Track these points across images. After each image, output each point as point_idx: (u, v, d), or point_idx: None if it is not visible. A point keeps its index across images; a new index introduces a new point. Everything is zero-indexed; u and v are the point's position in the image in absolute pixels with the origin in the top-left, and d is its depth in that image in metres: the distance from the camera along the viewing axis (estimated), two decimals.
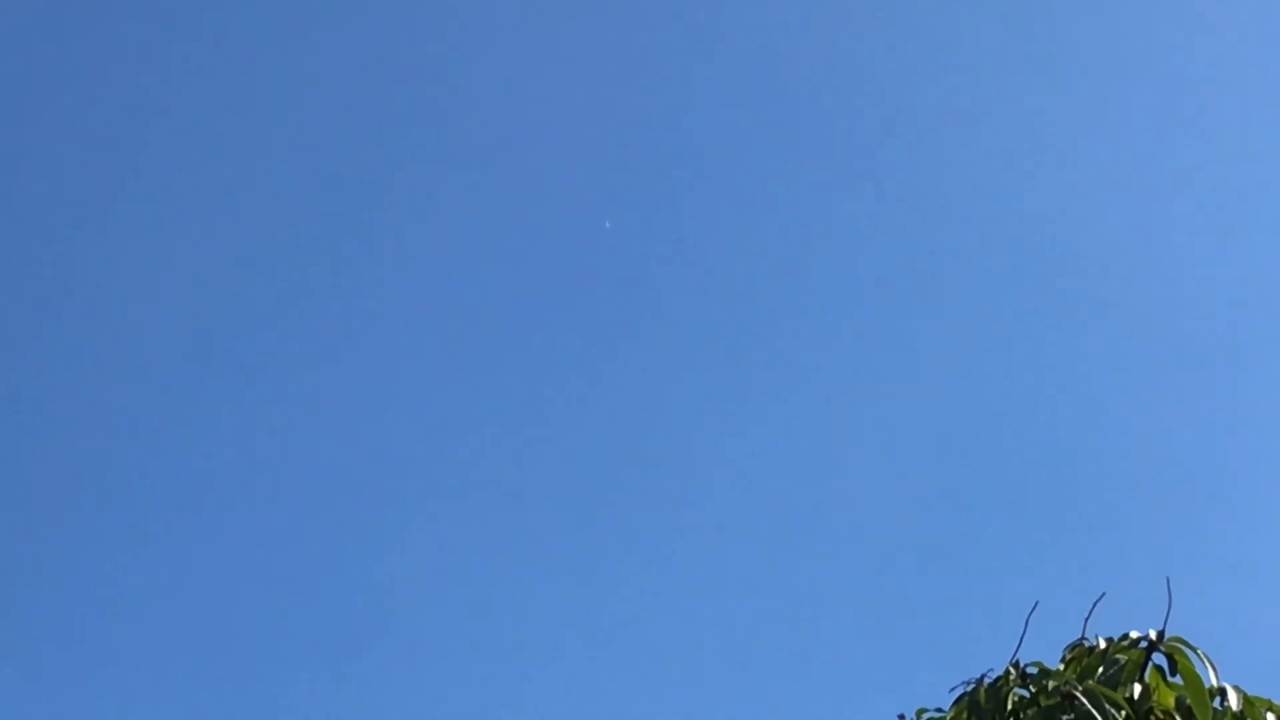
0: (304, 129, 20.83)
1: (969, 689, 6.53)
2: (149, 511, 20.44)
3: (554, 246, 20.56)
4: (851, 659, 19.44)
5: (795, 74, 20.76)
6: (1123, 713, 6.18)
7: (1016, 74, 21.06)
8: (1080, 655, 6.67)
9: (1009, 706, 6.43)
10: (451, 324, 20.62)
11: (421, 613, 19.87)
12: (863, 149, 20.83)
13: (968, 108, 20.80)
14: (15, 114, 20.54)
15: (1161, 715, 6.42)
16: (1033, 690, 6.42)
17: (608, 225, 19.84)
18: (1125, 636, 6.63)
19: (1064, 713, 6.17)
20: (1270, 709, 6.46)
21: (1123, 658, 6.49)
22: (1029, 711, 6.33)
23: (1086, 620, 6.70)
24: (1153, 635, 6.57)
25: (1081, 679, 6.35)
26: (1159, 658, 6.56)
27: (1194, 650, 6.49)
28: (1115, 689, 6.31)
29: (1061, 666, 6.63)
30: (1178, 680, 6.50)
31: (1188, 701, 6.41)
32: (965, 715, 6.51)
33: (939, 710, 6.64)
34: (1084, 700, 6.13)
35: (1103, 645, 6.63)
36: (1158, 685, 6.51)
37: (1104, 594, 6.65)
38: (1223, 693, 6.49)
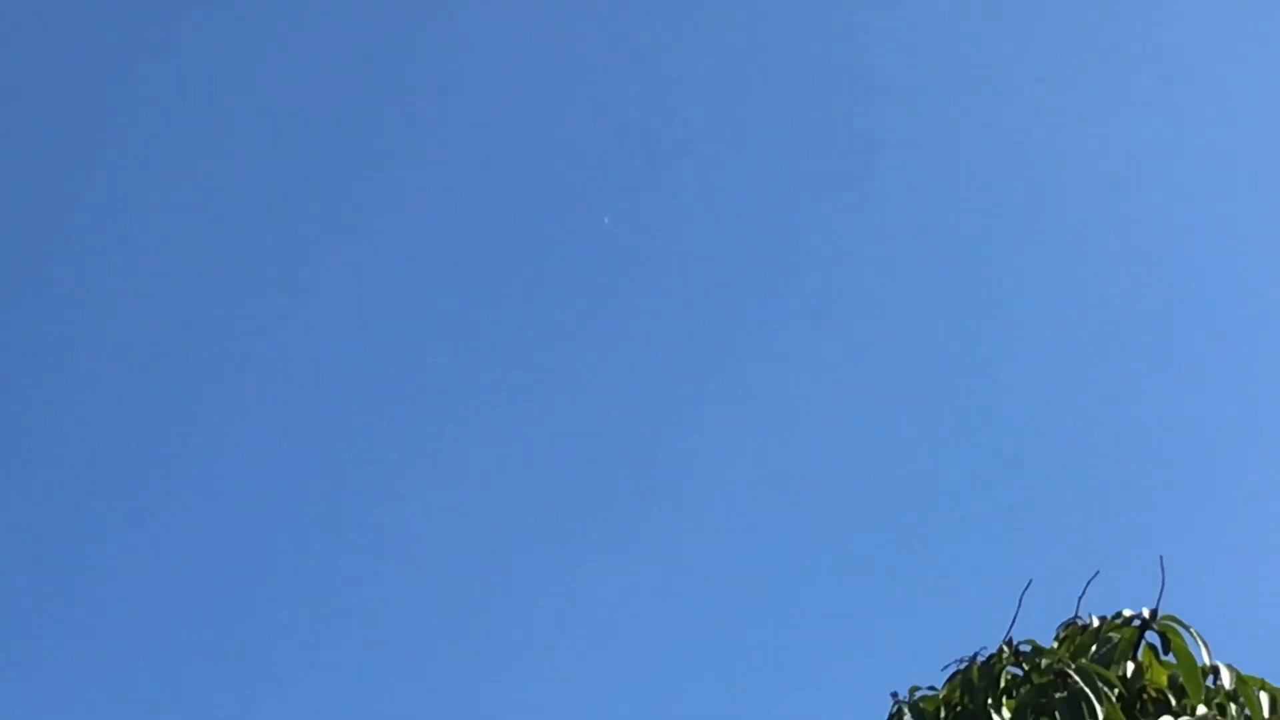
0: (296, 123, 20.82)
1: (962, 667, 6.53)
2: (148, 509, 20.50)
3: (552, 241, 20.59)
4: (845, 638, 19.47)
5: (792, 69, 20.77)
6: (1115, 691, 6.19)
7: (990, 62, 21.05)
8: (1073, 634, 6.68)
9: (1002, 684, 6.44)
10: (446, 319, 20.63)
11: (415, 609, 19.95)
12: (855, 144, 20.84)
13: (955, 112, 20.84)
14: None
15: (1154, 693, 6.43)
16: (1026, 668, 6.42)
17: (606, 220, 19.84)
18: (1118, 615, 6.64)
19: (1057, 691, 6.17)
20: (1263, 688, 6.47)
21: (1116, 636, 6.49)
22: (1022, 690, 6.34)
23: (1080, 599, 6.71)
24: (1146, 614, 6.58)
25: (1075, 657, 6.35)
26: (1152, 636, 6.57)
27: (1187, 629, 6.49)
28: (1108, 667, 6.31)
29: (1055, 645, 6.64)
30: (1171, 659, 6.51)
31: (1180, 680, 6.42)
32: (958, 693, 6.52)
33: (932, 688, 6.65)
34: (1077, 678, 6.14)
35: (1096, 623, 6.64)
36: (1151, 664, 6.52)
37: (1097, 572, 6.66)
38: (1215, 671, 6.49)
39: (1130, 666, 6.45)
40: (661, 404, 20.57)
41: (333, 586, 20.12)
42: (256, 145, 20.68)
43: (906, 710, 6.58)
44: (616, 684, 19.74)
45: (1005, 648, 6.48)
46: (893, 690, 6.68)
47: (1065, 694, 6.13)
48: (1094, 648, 6.47)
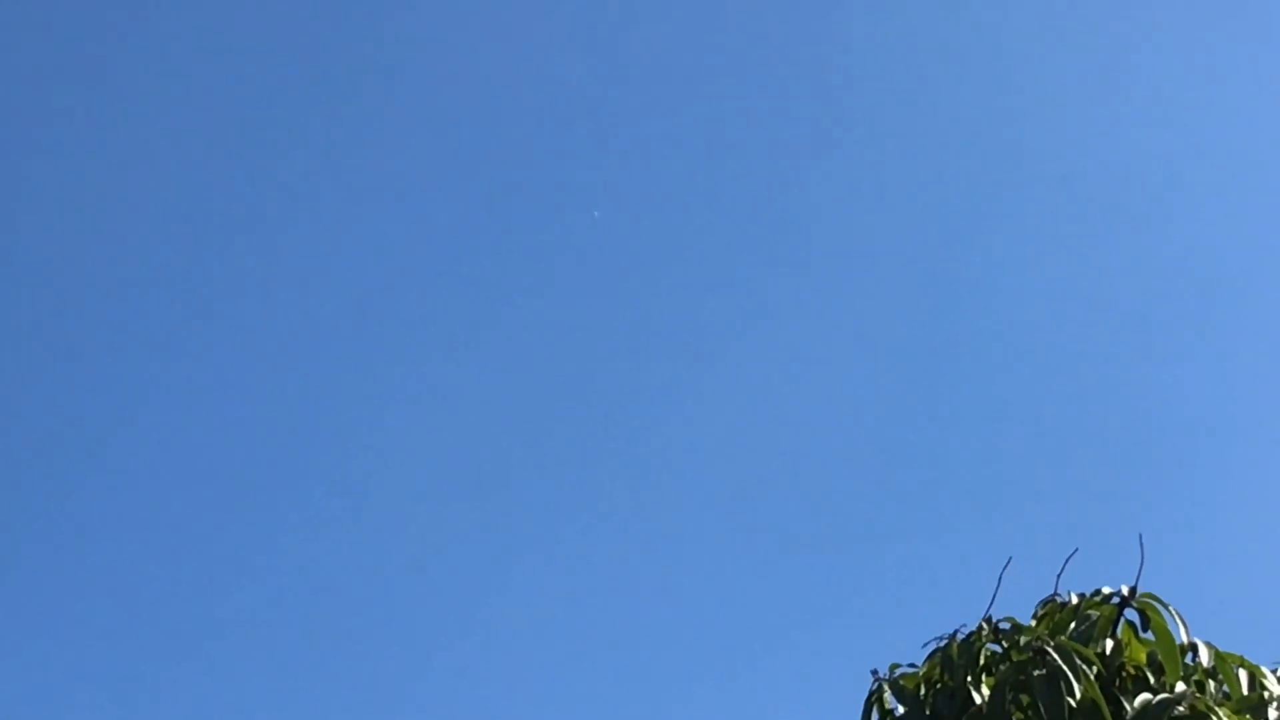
0: (292, 118, 20.79)
1: (942, 644, 6.54)
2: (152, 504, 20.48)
3: (541, 234, 20.57)
4: (825, 616, 19.50)
5: (779, 62, 20.77)
6: (1094, 668, 6.20)
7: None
8: (1052, 611, 6.69)
9: (981, 662, 6.45)
10: (443, 313, 20.62)
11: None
12: (845, 135, 20.84)
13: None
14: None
15: (1133, 671, 6.44)
16: (1005, 646, 6.43)
17: (596, 215, 19.84)
18: (1097, 592, 6.65)
19: (1036, 668, 6.18)
20: (1241, 665, 6.49)
21: (1095, 613, 6.51)
22: (1001, 667, 6.35)
23: (1059, 576, 6.72)
24: (1125, 591, 6.59)
25: (1054, 634, 6.36)
26: (1131, 614, 6.58)
27: (1165, 606, 6.51)
28: (1087, 645, 6.32)
29: (1034, 622, 6.65)
30: (1149, 636, 6.52)
31: (1159, 657, 6.43)
32: (938, 670, 6.53)
33: (912, 665, 6.65)
34: (1056, 656, 6.15)
35: (1075, 601, 6.65)
36: (1129, 641, 6.53)
37: (1076, 550, 6.68)
38: (1194, 649, 6.51)
39: (1109, 644, 6.47)
40: (646, 388, 20.59)
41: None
42: (251, 140, 20.68)
43: (887, 687, 6.59)
44: (603, 664, 19.76)
45: (985, 625, 6.48)
46: (873, 668, 6.69)
47: (1044, 671, 6.13)
48: (1073, 625, 6.49)
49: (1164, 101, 20.86)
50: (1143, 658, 6.48)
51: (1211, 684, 6.44)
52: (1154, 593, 6.55)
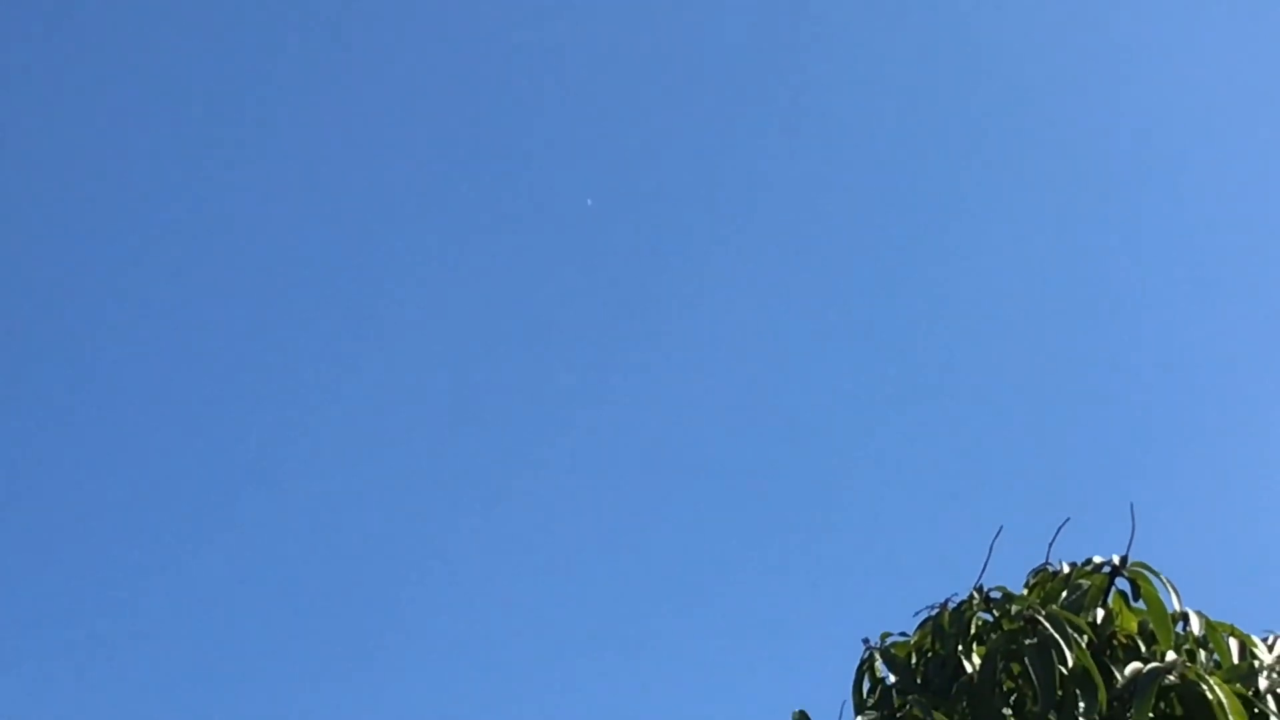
0: (291, 113, 20.75)
1: (933, 613, 6.54)
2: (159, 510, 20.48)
3: (537, 222, 20.56)
4: (816, 584, 19.52)
5: (776, 55, 20.74)
6: (1085, 637, 6.20)
7: None
8: (1044, 580, 6.69)
9: (973, 631, 6.45)
10: (440, 307, 20.60)
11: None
12: (841, 133, 20.84)
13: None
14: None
15: (1124, 640, 6.45)
16: (996, 615, 6.44)
17: (589, 203, 19.82)
18: (1089, 561, 6.65)
19: (1027, 637, 6.18)
20: (1232, 634, 6.49)
21: (1086, 583, 6.51)
22: (993, 636, 6.35)
23: (1050, 545, 6.72)
24: (1116, 560, 6.59)
25: (1045, 604, 6.36)
26: (1122, 583, 6.59)
27: (1157, 575, 6.51)
28: (1078, 614, 6.33)
29: (1025, 591, 6.65)
30: (1140, 605, 6.52)
31: (1150, 626, 6.44)
32: (929, 639, 6.53)
33: (903, 634, 6.66)
34: (1047, 624, 6.15)
35: (1066, 570, 6.65)
36: (1120, 610, 6.53)
37: (1068, 519, 6.67)
38: (1185, 618, 6.52)
39: (1100, 613, 6.47)
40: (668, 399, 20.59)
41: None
42: (255, 140, 20.65)
43: (878, 656, 6.60)
44: (591, 627, 19.79)
45: (976, 594, 6.49)
46: (864, 636, 6.69)
47: (1035, 640, 6.14)
48: (1064, 594, 6.49)
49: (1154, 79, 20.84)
50: (1134, 627, 6.49)
51: (1202, 653, 6.45)
52: (1145, 561, 6.55)
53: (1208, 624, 6.49)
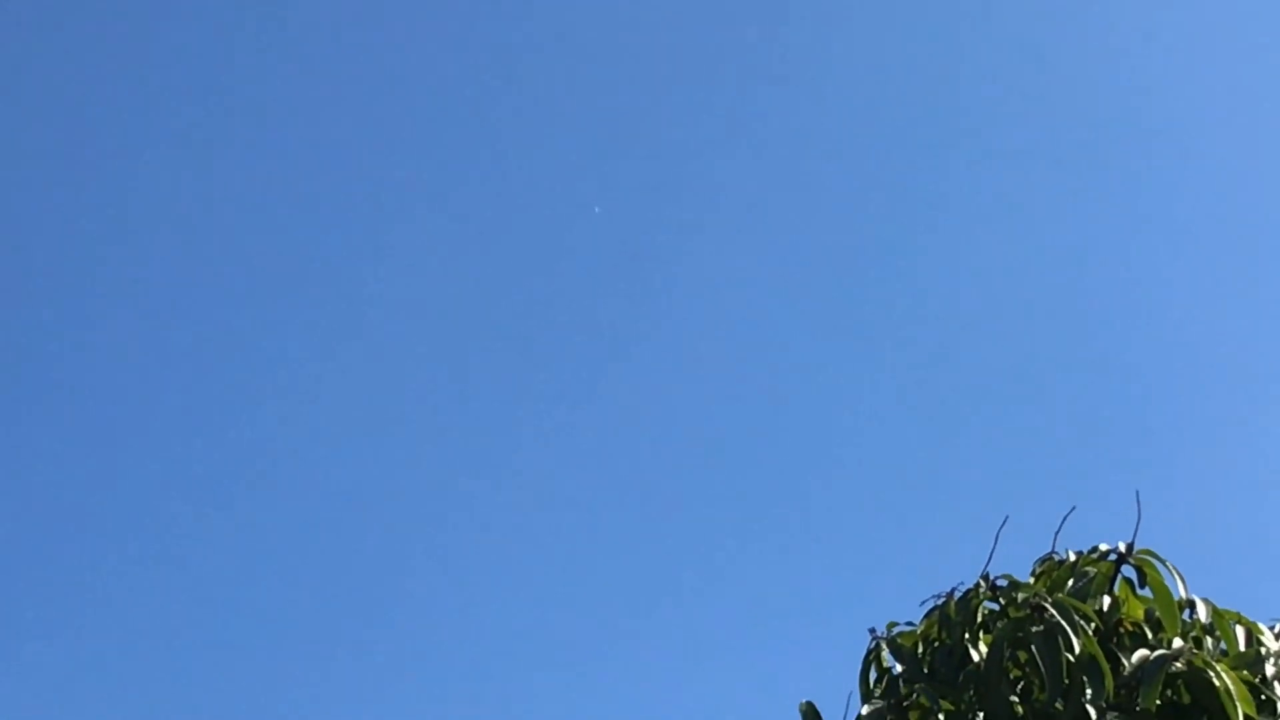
0: (304, 128, 20.75)
1: (939, 602, 6.54)
2: (154, 506, 20.47)
3: (543, 230, 20.56)
4: (821, 575, 19.51)
5: (785, 62, 20.74)
6: (1092, 625, 6.20)
7: None
8: (1050, 568, 6.69)
9: (979, 619, 6.45)
10: (443, 311, 20.60)
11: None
12: (853, 142, 20.83)
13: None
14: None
15: (1131, 627, 6.45)
16: (1002, 603, 6.43)
17: (597, 210, 19.84)
18: (1095, 549, 6.65)
19: (1033, 625, 6.18)
20: (1239, 621, 6.49)
21: (1092, 570, 6.51)
22: (999, 624, 6.35)
23: (1056, 534, 6.72)
24: (1122, 548, 6.59)
25: (1051, 592, 6.36)
26: (1128, 570, 6.58)
27: (1163, 563, 6.51)
28: (1085, 601, 6.32)
29: (1031, 580, 6.65)
30: (1147, 593, 6.52)
31: (1156, 614, 6.44)
32: (935, 628, 6.53)
33: (909, 623, 6.66)
34: (1053, 612, 6.15)
35: (1072, 558, 6.65)
36: (1127, 597, 6.53)
37: (1074, 507, 6.67)
38: (1191, 605, 6.51)
39: (1106, 600, 6.47)
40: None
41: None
42: (260, 143, 20.63)
43: (885, 646, 6.59)
44: (598, 618, 19.80)
45: (982, 583, 6.48)
46: (871, 626, 6.69)
47: (1042, 628, 6.14)
48: (1070, 582, 6.49)
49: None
50: (1140, 614, 6.49)
51: (1209, 640, 6.45)
52: (1151, 549, 6.55)
53: (1214, 611, 6.49)
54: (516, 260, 20.62)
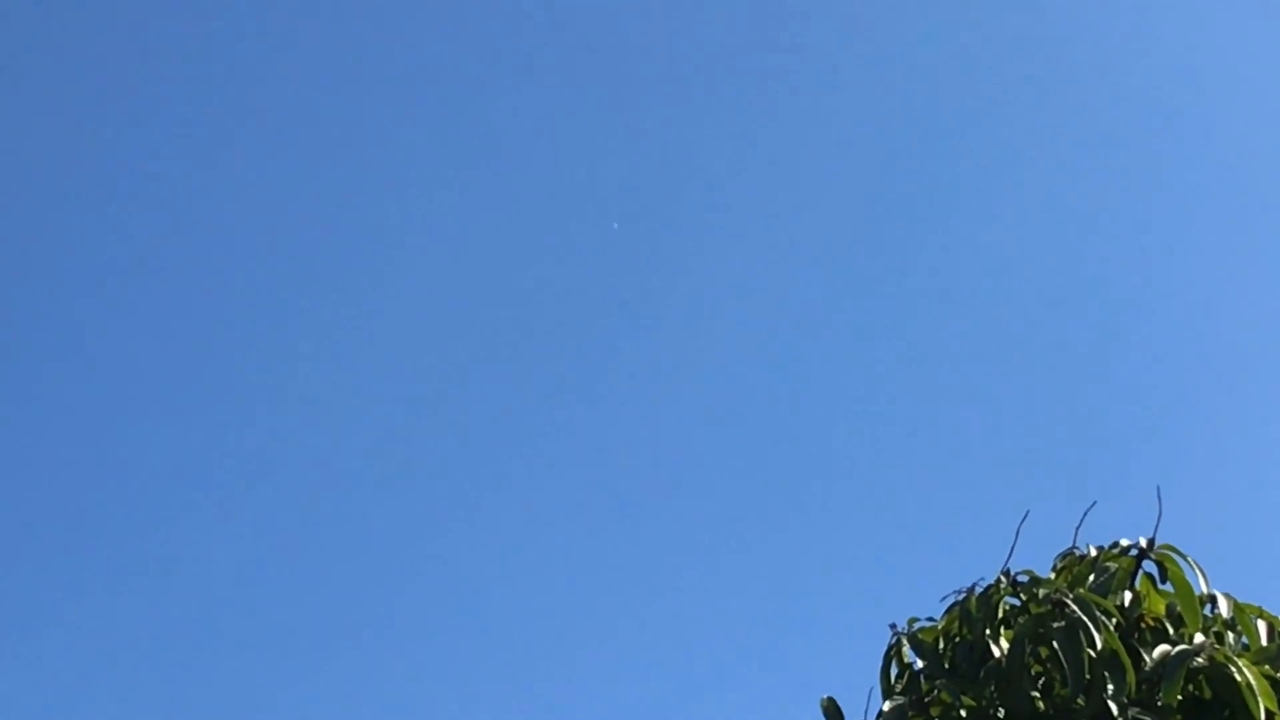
0: (311, 128, 20.78)
1: (960, 598, 6.53)
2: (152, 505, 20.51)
3: (561, 246, 20.59)
4: (844, 569, 19.51)
5: (802, 77, 20.74)
6: (1113, 620, 6.19)
7: None
8: (1071, 564, 6.68)
9: (1000, 615, 6.44)
10: (459, 323, 20.63)
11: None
12: (865, 148, 20.81)
13: None
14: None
15: (1152, 622, 6.44)
16: (1024, 599, 6.43)
17: (615, 226, 19.86)
18: (1116, 544, 6.64)
19: (1055, 620, 6.17)
20: (1260, 615, 6.48)
21: (1113, 565, 6.50)
22: (1020, 620, 6.35)
23: (1077, 529, 6.71)
24: (1143, 543, 6.58)
25: (1072, 587, 6.35)
26: (1149, 565, 6.57)
27: (1184, 558, 6.50)
28: (1106, 597, 6.32)
29: (1052, 575, 6.64)
30: (1168, 588, 6.51)
31: (1178, 608, 6.43)
32: (956, 624, 6.52)
33: (930, 620, 6.65)
34: (1075, 607, 6.14)
35: (1093, 553, 6.64)
36: (1148, 592, 6.52)
37: (1095, 503, 6.66)
38: (1213, 600, 6.50)
39: (1128, 596, 6.46)
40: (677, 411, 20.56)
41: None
42: (275, 151, 20.65)
43: (905, 641, 6.59)
44: (618, 619, 19.81)
45: (1003, 578, 6.47)
46: (891, 622, 6.69)
47: (1063, 623, 6.13)
48: (1091, 577, 6.48)
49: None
50: (1161, 609, 6.48)
51: (1230, 635, 6.44)
52: (1172, 544, 6.54)
53: (1236, 606, 6.48)
54: (519, 259, 20.65)
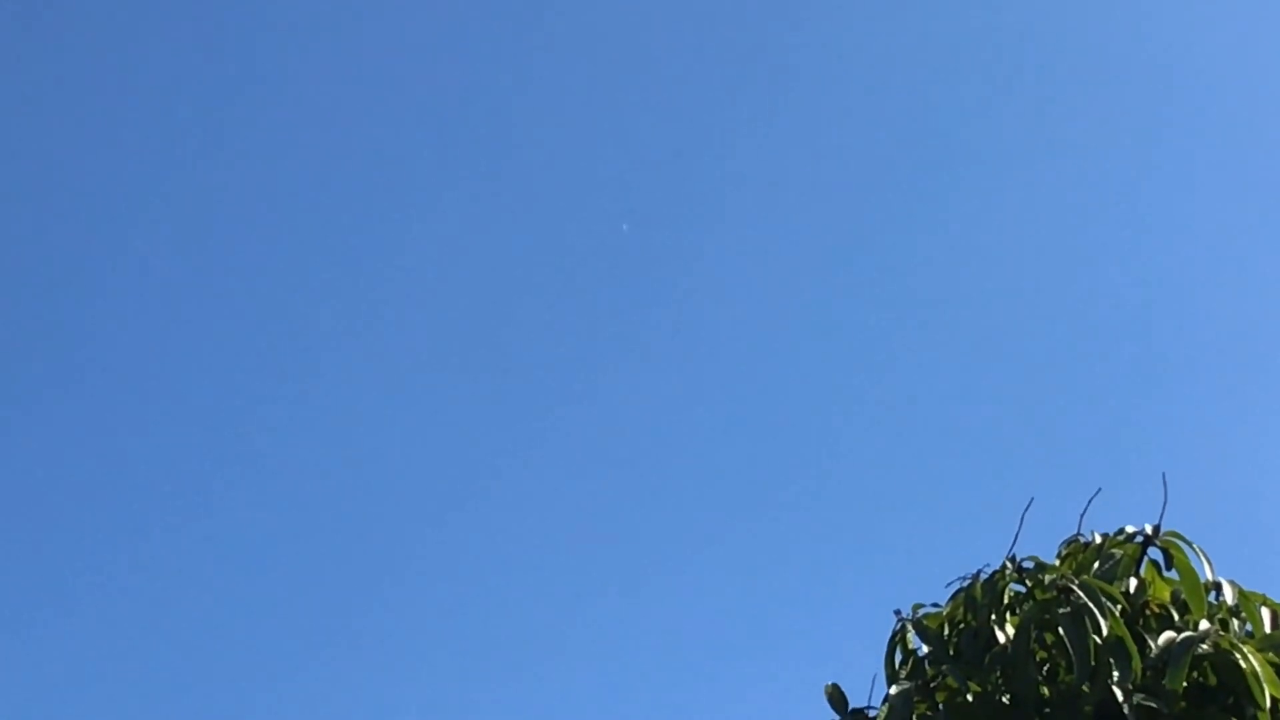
0: (322, 131, 20.78)
1: (965, 584, 6.54)
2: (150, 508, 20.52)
3: (570, 248, 20.59)
4: (848, 555, 19.52)
5: (815, 77, 20.73)
6: (1119, 607, 6.20)
7: None
8: (1076, 551, 6.68)
9: (1005, 601, 6.45)
10: (466, 327, 20.62)
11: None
12: (875, 152, 20.80)
13: None
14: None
15: (1157, 609, 6.44)
16: (1029, 585, 6.43)
17: (625, 228, 19.87)
18: (1121, 531, 6.64)
19: (1061, 606, 6.18)
20: (1265, 603, 6.49)
21: (1118, 552, 6.50)
22: (1026, 606, 6.35)
23: (1082, 516, 6.71)
24: (1149, 530, 6.59)
25: (1077, 574, 6.35)
26: (1155, 552, 6.58)
27: (1189, 545, 6.50)
28: (1111, 583, 6.32)
29: (1057, 562, 6.64)
30: (1173, 575, 6.52)
31: (1183, 596, 6.43)
32: (961, 610, 6.53)
33: (935, 605, 6.66)
34: (1081, 594, 6.14)
35: (1098, 541, 6.64)
36: (1153, 580, 6.53)
37: (1099, 490, 6.66)
38: (1218, 587, 6.51)
39: (1133, 583, 6.47)
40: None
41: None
42: (283, 151, 20.65)
43: (910, 627, 6.59)
44: (620, 604, 19.83)
45: (1009, 564, 6.48)
46: (896, 608, 6.69)
47: (1069, 609, 6.13)
48: (1096, 564, 6.48)
49: None
50: (1167, 596, 6.48)
51: (1235, 622, 6.44)
52: (1178, 531, 6.54)
53: (1241, 593, 6.48)
54: (517, 256, 20.66)
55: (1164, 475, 6.53)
